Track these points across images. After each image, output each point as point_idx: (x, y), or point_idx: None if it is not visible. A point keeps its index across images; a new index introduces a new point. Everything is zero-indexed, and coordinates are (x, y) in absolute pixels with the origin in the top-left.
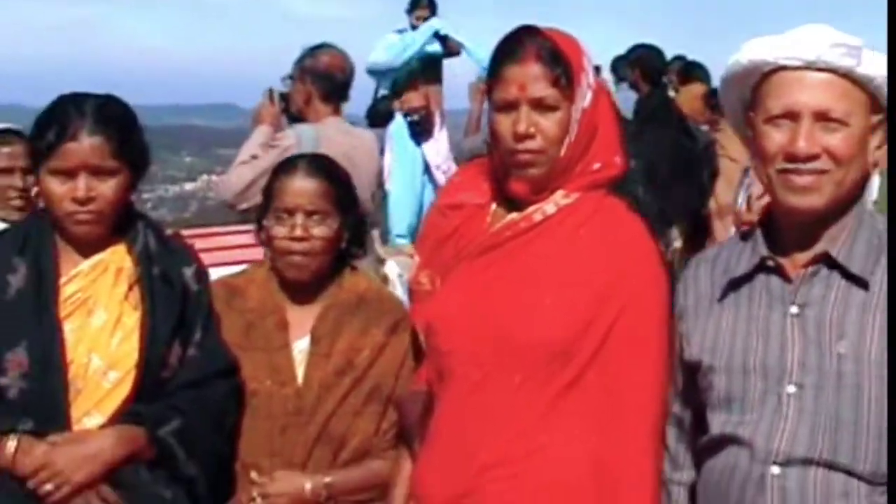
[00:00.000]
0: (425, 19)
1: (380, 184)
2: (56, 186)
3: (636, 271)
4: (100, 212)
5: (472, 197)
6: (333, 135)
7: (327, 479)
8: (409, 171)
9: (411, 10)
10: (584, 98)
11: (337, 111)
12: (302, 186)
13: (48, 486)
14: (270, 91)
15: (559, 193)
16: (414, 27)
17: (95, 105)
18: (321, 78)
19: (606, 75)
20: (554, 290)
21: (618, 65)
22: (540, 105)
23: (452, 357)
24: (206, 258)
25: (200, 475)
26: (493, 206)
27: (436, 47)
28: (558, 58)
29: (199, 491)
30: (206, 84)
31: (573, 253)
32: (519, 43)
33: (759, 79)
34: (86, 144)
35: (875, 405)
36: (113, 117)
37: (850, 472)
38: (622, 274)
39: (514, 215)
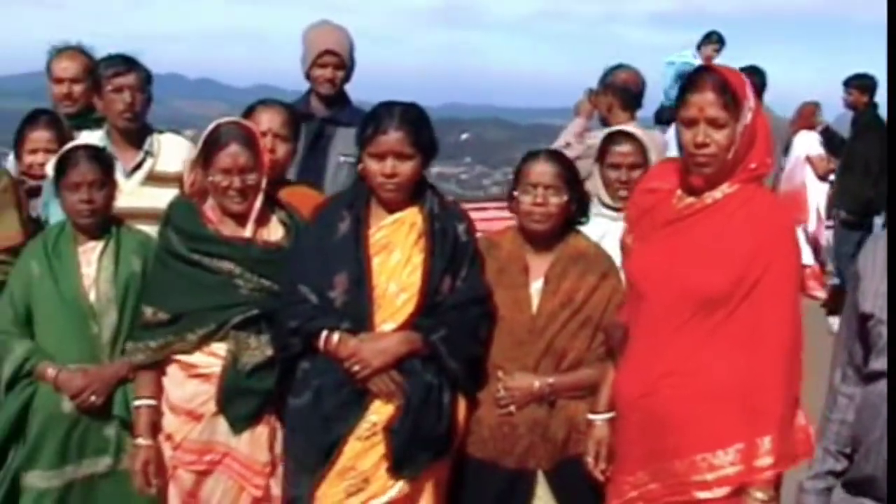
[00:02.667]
0: (717, 51)
1: None
2: (372, 165)
3: (776, 242)
4: (400, 184)
5: (664, 184)
6: None
7: (550, 380)
8: None
9: (701, 44)
10: (746, 117)
11: (633, 117)
12: (542, 168)
13: (356, 368)
14: (589, 90)
15: (725, 185)
16: (705, 59)
17: (400, 109)
18: (620, 91)
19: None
20: (716, 253)
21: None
22: (713, 123)
23: (645, 298)
24: None
25: (459, 369)
26: (679, 191)
27: None
28: (727, 89)
29: (457, 380)
30: (556, 90)
31: (732, 228)
32: (700, 77)
33: None
34: (392, 137)
35: None
36: (411, 118)
37: None
38: (766, 244)
39: (692, 199)
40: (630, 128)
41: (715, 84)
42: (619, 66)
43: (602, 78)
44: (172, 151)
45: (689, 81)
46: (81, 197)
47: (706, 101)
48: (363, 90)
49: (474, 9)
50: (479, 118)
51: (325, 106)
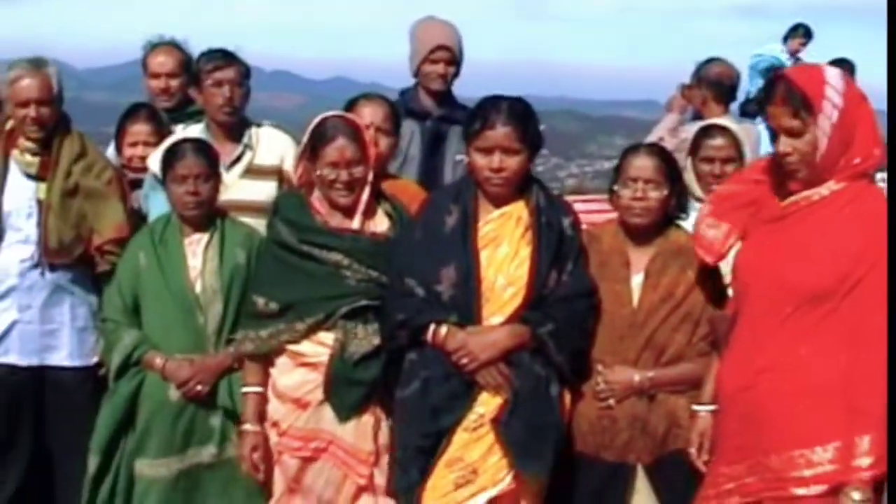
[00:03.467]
0: (803, 45)
1: None
2: (479, 159)
3: (885, 240)
4: (507, 179)
5: (770, 178)
6: None
7: (650, 374)
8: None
9: (787, 37)
10: (830, 117)
11: (727, 110)
12: (642, 162)
13: (464, 360)
14: (682, 85)
15: (830, 182)
16: (791, 52)
17: (507, 104)
18: (714, 84)
19: None
20: (821, 250)
21: None
22: (789, 133)
23: (748, 292)
24: None
25: (565, 362)
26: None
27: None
28: (794, 95)
29: (563, 373)
30: (633, 82)
31: (838, 225)
32: (770, 88)
33: None
34: (500, 132)
35: None
36: (518, 113)
37: None
38: (873, 242)
39: (796, 196)
40: (724, 121)
41: (783, 94)
42: (712, 60)
43: (695, 72)
44: (270, 144)
45: (765, 92)
46: (188, 189)
47: (778, 112)
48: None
49: (550, 1)
50: (553, 110)
51: (436, 103)
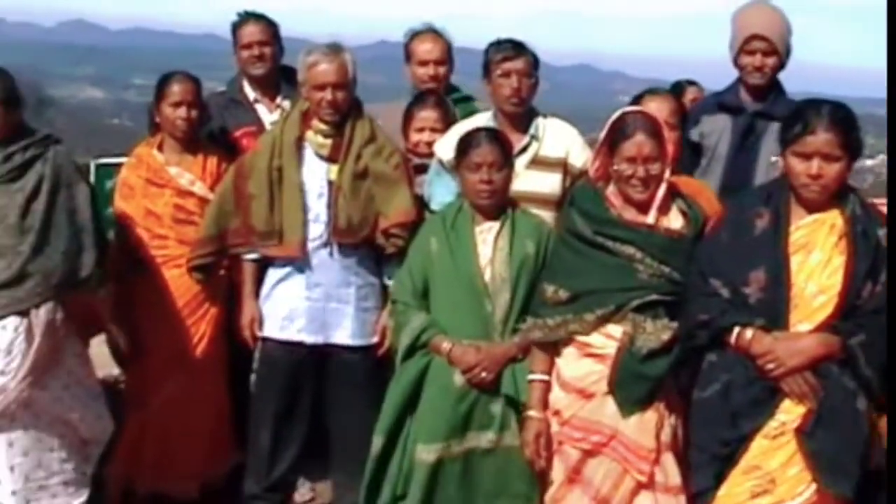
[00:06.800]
0: None
1: None
2: (797, 164)
3: None
4: (825, 186)
5: None
6: None
7: None
8: None
9: None
10: None
11: None
12: None
13: (770, 366)
14: None
15: None
16: None
17: (830, 109)
18: None
19: None
20: None
21: None
22: None
23: None
24: None
25: (874, 378)
26: None
27: None
28: None
29: (871, 388)
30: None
31: None
32: None
33: None
34: (821, 138)
35: None
36: (841, 119)
37: None
38: None
39: None
40: None
41: None
42: None
43: None
44: (557, 136)
45: None
46: (482, 177)
47: None
48: (693, 70)
49: None
50: None
51: (754, 98)
